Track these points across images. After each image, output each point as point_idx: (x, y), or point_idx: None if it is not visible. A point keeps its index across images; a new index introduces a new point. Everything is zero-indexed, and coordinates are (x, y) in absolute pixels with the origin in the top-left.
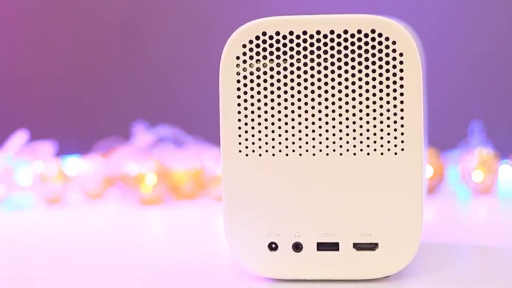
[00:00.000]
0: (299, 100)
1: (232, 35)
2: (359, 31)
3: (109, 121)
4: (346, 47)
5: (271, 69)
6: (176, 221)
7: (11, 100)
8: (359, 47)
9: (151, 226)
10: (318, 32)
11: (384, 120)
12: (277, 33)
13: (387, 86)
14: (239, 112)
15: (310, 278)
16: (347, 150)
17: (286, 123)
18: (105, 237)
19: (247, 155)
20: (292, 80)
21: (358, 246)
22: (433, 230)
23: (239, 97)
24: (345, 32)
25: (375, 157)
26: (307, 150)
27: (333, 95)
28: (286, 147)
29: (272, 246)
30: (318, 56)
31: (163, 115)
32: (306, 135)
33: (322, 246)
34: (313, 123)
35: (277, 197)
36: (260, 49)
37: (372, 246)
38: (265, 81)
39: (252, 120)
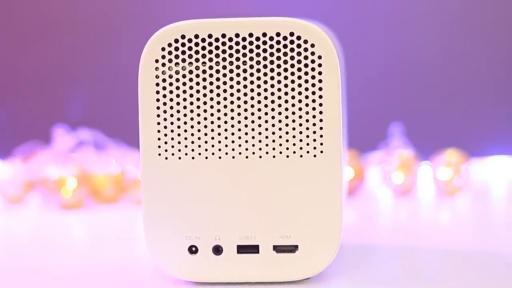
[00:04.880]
0: (218, 103)
1: (151, 38)
2: (278, 34)
3: (29, 125)
4: (265, 50)
5: (190, 72)
6: (97, 225)
7: None
8: (278, 50)
9: (72, 230)
10: (237, 35)
11: (303, 122)
12: (196, 36)
13: (306, 89)
14: (158, 116)
15: (231, 281)
16: (267, 153)
17: (205, 126)
18: (25, 241)
19: (166, 158)
20: (211, 83)
21: (278, 249)
22: (354, 232)
23: (158, 100)
24: (264, 35)
25: (294, 160)
26: (226, 153)
27: (252, 98)
28: (206, 150)
29: (192, 249)
30: (237, 59)
31: (84, 119)
32: (226, 138)
33: (242, 249)
34: (232, 126)
35: (197, 200)
36: (179, 52)
37: (292, 248)
38: (184, 84)
39: (172, 123)
